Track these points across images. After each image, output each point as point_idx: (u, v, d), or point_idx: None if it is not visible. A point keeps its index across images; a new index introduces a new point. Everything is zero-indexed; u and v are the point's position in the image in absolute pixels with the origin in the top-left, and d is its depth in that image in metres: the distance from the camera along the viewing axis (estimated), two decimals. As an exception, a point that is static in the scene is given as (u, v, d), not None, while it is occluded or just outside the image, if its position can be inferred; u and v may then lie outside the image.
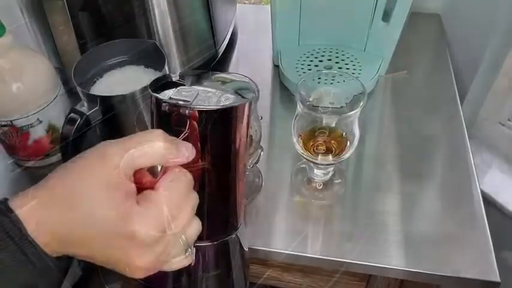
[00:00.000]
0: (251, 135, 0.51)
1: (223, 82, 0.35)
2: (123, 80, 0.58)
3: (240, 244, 0.41)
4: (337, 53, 0.76)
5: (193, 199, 0.33)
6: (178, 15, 0.65)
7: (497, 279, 0.49)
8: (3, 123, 0.56)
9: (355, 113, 0.49)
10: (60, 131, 0.52)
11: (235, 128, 0.34)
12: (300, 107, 0.51)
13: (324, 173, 0.58)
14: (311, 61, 0.75)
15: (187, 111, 0.32)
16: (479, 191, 0.57)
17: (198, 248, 0.35)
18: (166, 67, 0.56)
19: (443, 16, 0.88)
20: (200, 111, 0.32)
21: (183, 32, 0.67)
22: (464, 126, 0.66)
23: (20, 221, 0.28)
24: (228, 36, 0.81)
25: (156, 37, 0.65)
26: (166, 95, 0.34)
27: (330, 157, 0.52)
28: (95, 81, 0.58)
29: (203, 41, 0.72)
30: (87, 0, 0.62)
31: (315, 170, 0.58)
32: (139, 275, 0.31)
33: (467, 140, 0.64)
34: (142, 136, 0.30)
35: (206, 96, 0.34)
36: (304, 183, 0.60)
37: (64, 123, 0.51)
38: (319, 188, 0.59)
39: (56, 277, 0.31)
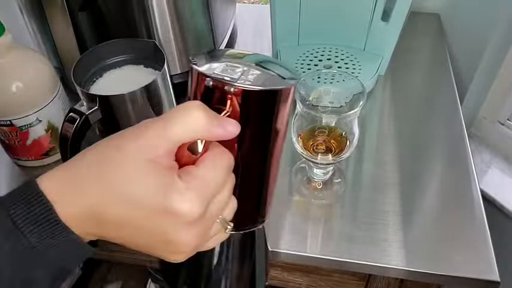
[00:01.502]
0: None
1: (237, 57, 0.33)
2: (123, 80, 0.58)
3: (265, 236, 0.40)
4: (336, 52, 0.76)
5: (233, 179, 0.31)
6: (177, 15, 0.65)
7: (497, 278, 0.49)
8: (2, 122, 0.56)
9: (355, 112, 0.48)
10: (60, 131, 0.52)
11: (279, 111, 0.31)
12: (299, 107, 0.51)
13: (323, 173, 0.58)
14: (310, 60, 0.75)
15: (232, 89, 0.29)
16: (478, 190, 0.57)
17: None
18: (165, 66, 0.56)
19: (442, 16, 0.88)
20: (246, 91, 0.29)
21: (182, 31, 0.66)
22: (464, 125, 0.66)
23: (49, 202, 0.26)
24: (228, 36, 0.81)
25: (155, 37, 0.65)
26: (205, 69, 0.31)
27: (330, 156, 0.52)
28: (95, 80, 0.58)
29: (202, 40, 0.72)
30: (86, 0, 0.62)
31: (315, 169, 0.58)
32: (179, 257, 0.29)
33: (467, 139, 0.64)
34: (182, 108, 0.27)
35: (233, 71, 0.31)
36: (303, 182, 0.60)
37: (63, 122, 0.51)
38: (318, 187, 0.59)
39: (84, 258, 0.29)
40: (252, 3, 1.75)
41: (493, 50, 0.83)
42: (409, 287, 0.58)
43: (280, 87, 0.30)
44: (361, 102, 0.48)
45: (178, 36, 0.67)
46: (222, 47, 0.78)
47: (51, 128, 0.60)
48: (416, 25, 0.84)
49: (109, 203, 0.26)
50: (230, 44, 0.83)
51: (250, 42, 0.86)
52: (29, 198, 0.26)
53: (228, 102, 0.29)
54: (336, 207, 0.57)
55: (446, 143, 0.64)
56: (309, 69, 0.73)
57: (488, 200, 0.84)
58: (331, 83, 0.56)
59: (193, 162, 0.28)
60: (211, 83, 0.29)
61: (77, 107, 0.52)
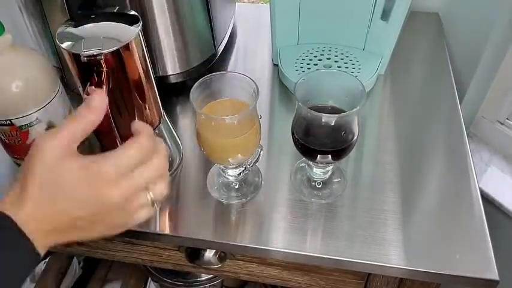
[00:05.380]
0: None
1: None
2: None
3: None
4: (336, 51, 0.76)
5: (155, 164, 0.38)
6: (177, 15, 0.65)
7: (496, 277, 0.49)
8: (2, 122, 0.56)
9: (354, 111, 0.49)
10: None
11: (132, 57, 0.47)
12: (299, 106, 0.51)
13: (323, 172, 0.58)
14: (310, 60, 0.75)
15: (103, 56, 0.44)
16: (478, 189, 0.57)
17: None
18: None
19: (442, 15, 0.89)
20: (111, 53, 0.44)
21: (182, 31, 0.67)
22: (463, 124, 0.66)
23: (21, 230, 0.33)
24: (227, 35, 0.81)
25: (155, 36, 0.65)
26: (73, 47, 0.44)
27: (329, 156, 0.52)
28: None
29: (202, 40, 0.72)
30: (86, -1, 0.62)
31: (314, 168, 0.58)
32: (123, 219, 0.38)
33: (466, 138, 0.64)
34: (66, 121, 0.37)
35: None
36: (303, 182, 0.60)
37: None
38: (318, 186, 0.59)
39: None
40: (252, 2, 1.74)
41: (492, 50, 0.83)
42: (408, 285, 0.58)
43: (126, 41, 0.45)
44: (360, 102, 0.48)
45: (178, 36, 0.67)
46: (222, 46, 0.78)
47: (51, 128, 0.60)
48: (415, 24, 0.84)
49: (61, 211, 0.35)
50: (229, 43, 0.83)
51: (250, 41, 0.86)
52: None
53: (101, 64, 0.44)
54: (336, 207, 0.57)
55: (446, 142, 0.64)
56: (309, 68, 0.73)
57: (487, 199, 0.84)
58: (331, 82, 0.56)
59: None
60: (86, 59, 0.43)
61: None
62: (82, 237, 0.37)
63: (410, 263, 0.51)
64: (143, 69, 0.51)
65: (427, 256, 0.51)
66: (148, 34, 0.65)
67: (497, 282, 0.49)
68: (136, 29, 0.48)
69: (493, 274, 0.49)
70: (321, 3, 0.71)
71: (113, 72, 0.46)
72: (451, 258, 0.51)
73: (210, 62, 0.75)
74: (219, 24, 0.75)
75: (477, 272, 0.49)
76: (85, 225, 0.36)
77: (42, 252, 0.35)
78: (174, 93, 0.74)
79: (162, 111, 0.59)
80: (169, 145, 0.62)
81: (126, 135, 0.39)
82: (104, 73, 0.44)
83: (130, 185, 0.37)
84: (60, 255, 1.08)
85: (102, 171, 0.35)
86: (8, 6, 0.66)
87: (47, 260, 1.09)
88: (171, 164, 0.62)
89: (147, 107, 0.54)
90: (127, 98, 0.51)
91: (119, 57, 0.46)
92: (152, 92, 0.54)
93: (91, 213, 0.36)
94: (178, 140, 0.64)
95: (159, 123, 0.58)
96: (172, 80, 0.71)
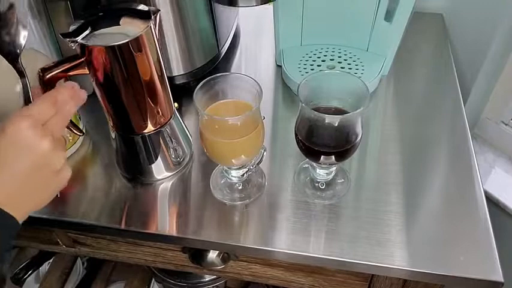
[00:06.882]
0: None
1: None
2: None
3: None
4: (339, 52, 0.76)
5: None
6: (181, 16, 0.65)
7: (501, 279, 0.49)
8: (7, 123, 0.56)
9: (358, 112, 0.49)
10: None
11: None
12: (302, 107, 0.51)
13: (326, 173, 0.58)
14: (314, 61, 0.75)
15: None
16: (482, 190, 0.57)
17: None
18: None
19: (446, 16, 0.88)
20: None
21: (186, 32, 0.67)
22: (467, 125, 0.66)
23: None
24: (231, 36, 0.81)
25: (159, 37, 0.65)
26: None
27: (333, 157, 0.52)
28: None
29: (206, 41, 0.72)
30: (90, 1, 0.62)
31: (318, 169, 0.58)
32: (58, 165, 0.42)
33: (470, 139, 0.64)
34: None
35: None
36: (306, 183, 0.60)
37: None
38: (321, 187, 0.59)
39: None
40: (255, 3, 1.74)
41: (497, 50, 0.83)
42: (412, 287, 0.58)
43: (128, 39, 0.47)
44: (364, 103, 0.48)
45: (182, 37, 0.67)
46: (226, 47, 0.78)
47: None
48: (419, 25, 0.84)
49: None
50: (233, 44, 0.83)
51: (254, 42, 0.86)
52: None
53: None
54: (339, 208, 0.57)
55: (450, 143, 0.64)
56: (312, 69, 0.73)
57: (491, 201, 0.84)
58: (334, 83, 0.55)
59: None
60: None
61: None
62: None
63: (414, 264, 0.50)
64: (152, 67, 0.52)
65: (431, 257, 0.51)
66: (152, 35, 0.65)
67: (501, 284, 0.49)
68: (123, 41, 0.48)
69: (498, 276, 0.49)
70: (325, 4, 0.71)
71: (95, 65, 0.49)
72: (455, 260, 0.50)
73: (214, 63, 0.75)
74: (222, 25, 0.75)
75: (481, 274, 0.49)
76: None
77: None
78: (177, 94, 0.74)
79: (174, 108, 0.59)
80: (181, 141, 0.61)
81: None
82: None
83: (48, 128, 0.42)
84: (64, 255, 1.08)
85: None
86: (13, 7, 0.66)
87: (51, 260, 1.09)
88: (182, 161, 0.62)
89: (157, 103, 0.55)
90: (136, 92, 0.52)
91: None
92: (164, 88, 0.55)
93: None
94: (189, 136, 0.63)
95: (170, 118, 0.58)
96: (176, 81, 0.71)
